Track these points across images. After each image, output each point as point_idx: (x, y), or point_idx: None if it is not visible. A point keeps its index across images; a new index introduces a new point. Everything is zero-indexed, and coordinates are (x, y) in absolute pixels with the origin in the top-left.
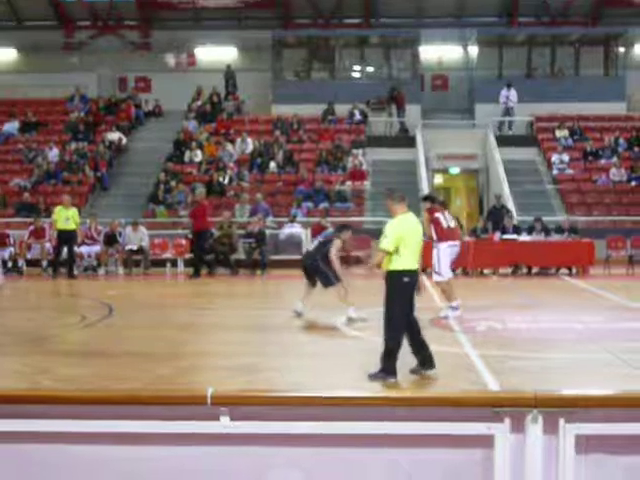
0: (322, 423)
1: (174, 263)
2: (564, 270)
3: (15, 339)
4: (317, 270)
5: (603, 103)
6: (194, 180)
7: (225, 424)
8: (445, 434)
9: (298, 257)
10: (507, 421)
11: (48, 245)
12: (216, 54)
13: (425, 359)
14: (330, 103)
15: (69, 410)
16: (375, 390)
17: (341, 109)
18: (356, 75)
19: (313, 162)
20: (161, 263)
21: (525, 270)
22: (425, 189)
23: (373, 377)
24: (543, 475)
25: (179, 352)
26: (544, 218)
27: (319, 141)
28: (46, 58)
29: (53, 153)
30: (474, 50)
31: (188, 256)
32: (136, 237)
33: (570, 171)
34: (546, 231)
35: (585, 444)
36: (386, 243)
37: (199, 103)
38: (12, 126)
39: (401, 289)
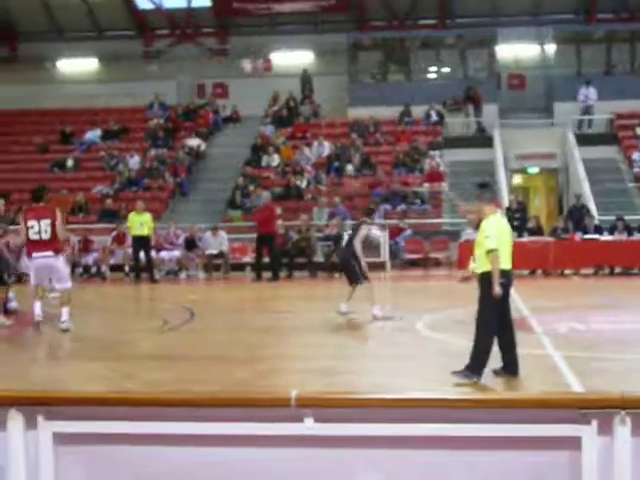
0: (404, 425)
1: (254, 267)
2: None
3: (99, 344)
4: (346, 265)
5: None
6: (272, 184)
7: (309, 426)
8: (530, 436)
9: (376, 259)
10: (594, 423)
11: (130, 251)
12: (292, 59)
13: (511, 362)
14: (406, 105)
15: (154, 412)
16: (457, 392)
17: (417, 110)
18: (432, 76)
19: (390, 164)
20: (240, 267)
21: (607, 270)
22: (504, 189)
23: (457, 374)
24: (632, 478)
25: (258, 355)
26: (626, 217)
27: (396, 143)
28: (126, 67)
29: (134, 160)
30: (551, 48)
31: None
32: (216, 242)
33: None
34: (629, 230)
35: None
36: (493, 242)
37: (276, 108)
38: (94, 134)
39: (507, 290)
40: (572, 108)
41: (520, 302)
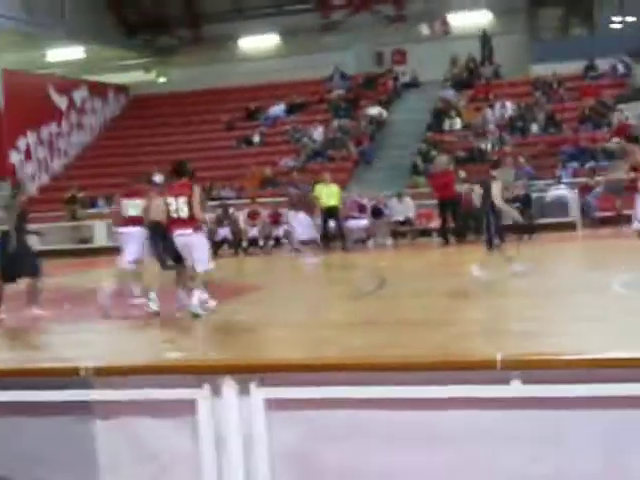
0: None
1: (440, 232)
2: None
3: (296, 311)
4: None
5: None
6: (454, 148)
7: (516, 388)
8: None
9: (566, 219)
10: None
11: (318, 221)
12: (470, 20)
13: None
14: (590, 58)
15: (361, 377)
16: None
17: (602, 63)
18: (616, 27)
19: (576, 121)
20: (427, 233)
21: None
22: None
23: None
24: None
25: (451, 319)
26: None
27: (581, 98)
28: (305, 40)
29: (318, 132)
30: None
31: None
32: (402, 208)
33: None
34: None
35: None
36: None
37: (455, 71)
38: (279, 109)
39: None
40: None
41: None
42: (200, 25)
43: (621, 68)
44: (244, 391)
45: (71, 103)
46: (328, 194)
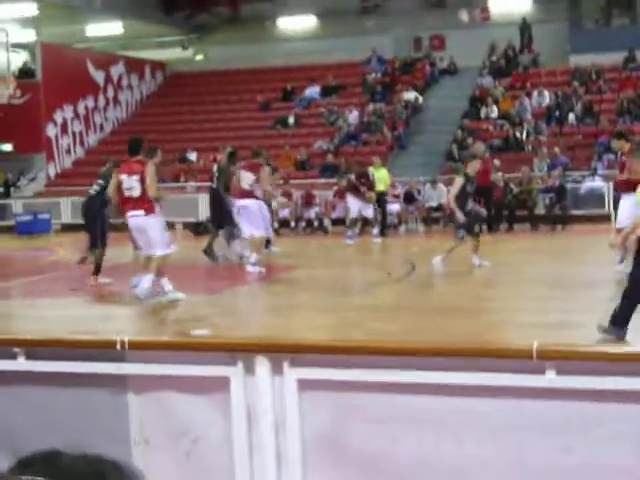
0: None
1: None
2: None
3: (326, 295)
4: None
5: None
6: (490, 136)
7: (551, 378)
8: None
9: (600, 211)
10: None
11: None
12: (510, 7)
13: None
14: (631, 49)
15: (394, 361)
16: None
17: None
18: None
19: (614, 112)
20: None
21: None
22: None
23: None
24: None
25: (484, 307)
26: None
27: (620, 90)
28: (343, 22)
29: (353, 115)
30: None
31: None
32: (435, 194)
33: None
34: None
35: None
36: None
37: (494, 58)
38: (314, 90)
39: None
40: None
41: None
42: (239, 4)
43: None
44: (277, 370)
45: (108, 78)
46: (378, 178)
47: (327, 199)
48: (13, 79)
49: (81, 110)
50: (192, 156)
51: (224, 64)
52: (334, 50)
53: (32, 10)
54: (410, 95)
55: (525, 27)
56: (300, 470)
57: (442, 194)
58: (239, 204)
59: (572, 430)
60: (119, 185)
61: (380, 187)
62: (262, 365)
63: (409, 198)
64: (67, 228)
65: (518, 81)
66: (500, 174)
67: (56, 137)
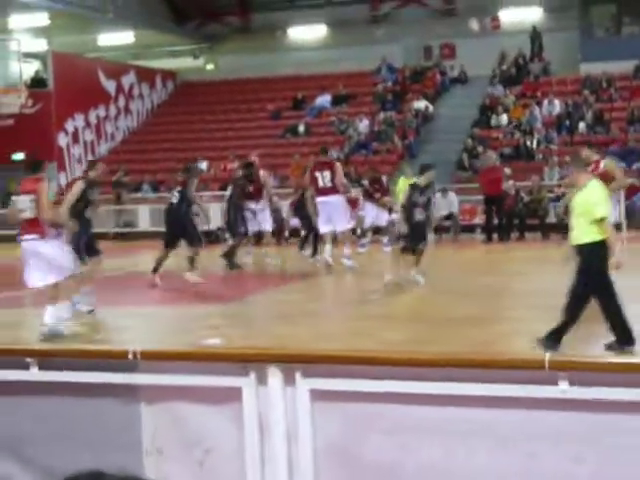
0: None
1: (484, 229)
2: None
3: (335, 304)
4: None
5: None
6: (501, 145)
7: (564, 389)
8: None
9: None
10: None
11: (362, 214)
12: (520, 15)
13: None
14: None
15: (405, 372)
16: None
17: None
18: None
19: (625, 121)
20: (470, 229)
21: None
22: None
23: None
24: None
25: (495, 317)
26: None
27: (631, 99)
28: (354, 32)
29: (363, 124)
30: None
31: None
32: (445, 203)
33: None
34: None
35: None
36: (604, 210)
37: (504, 67)
38: (324, 99)
39: (604, 261)
40: None
41: None
42: (250, 13)
43: None
44: (289, 381)
45: (119, 88)
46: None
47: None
48: (25, 88)
49: (92, 119)
50: (202, 165)
51: (235, 73)
52: (344, 59)
53: (44, 20)
54: (420, 104)
55: (535, 36)
56: None
57: (452, 203)
58: (320, 200)
59: (584, 440)
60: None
61: None
62: (274, 376)
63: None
64: None
65: (529, 90)
66: (511, 183)
67: (67, 146)
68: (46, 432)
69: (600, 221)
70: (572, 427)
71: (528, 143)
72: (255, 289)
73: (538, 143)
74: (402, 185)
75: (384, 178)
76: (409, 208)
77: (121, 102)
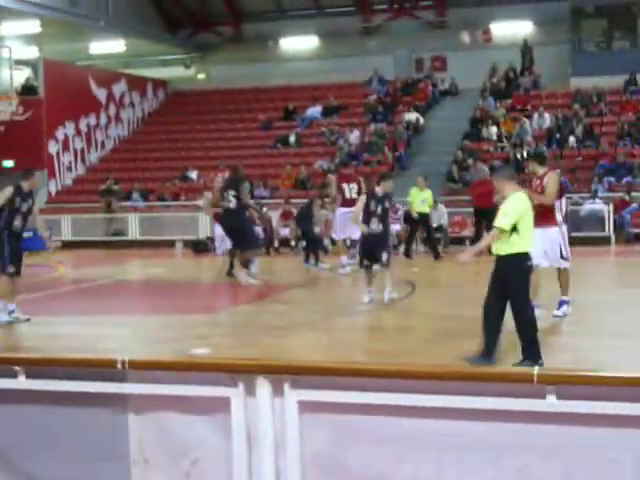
0: None
1: (473, 241)
2: None
3: (325, 315)
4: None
5: None
6: (491, 158)
7: (551, 402)
8: None
9: (601, 234)
10: None
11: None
12: (512, 29)
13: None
14: (632, 73)
15: (393, 384)
16: None
17: None
18: None
19: (614, 135)
20: (460, 241)
21: None
22: None
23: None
24: None
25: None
26: None
27: (621, 113)
28: (345, 43)
29: (354, 135)
30: None
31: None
32: (435, 215)
33: None
34: None
35: None
36: (505, 222)
37: (494, 80)
38: (315, 110)
39: (525, 273)
40: None
41: None
42: (241, 23)
43: None
44: (278, 392)
45: (110, 96)
46: (423, 200)
47: (327, 218)
48: (16, 96)
49: (83, 127)
50: (193, 174)
51: (226, 83)
52: (336, 70)
53: (35, 27)
54: (411, 116)
55: (526, 49)
56: None
57: (442, 215)
58: (345, 211)
59: (572, 454)
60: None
61: (424, 208)
62: (263, 386)
63: (409, 219)
64: (67, 245)
65: (519, 103)
66: (501, 195)
67: (57, 154)
68: (33, 441)
69: (502, 231)
70: (560, 441)
71: (518, 156)
72: (243, 299)
73: (528, 156)
74: (414, 196)
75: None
76: (365, 217)
77: (112, 110)
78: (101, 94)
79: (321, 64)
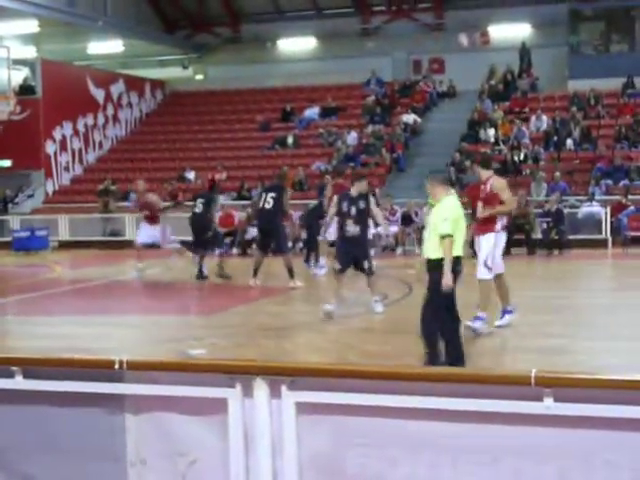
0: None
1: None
2: None
3: (319, 316)
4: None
5: None
6: None
7: (549, 405)
8: None
9: (598, 237)
10: None
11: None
12: (510, 32)
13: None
14: (629, 76)
15: (392, 385)
16: None
17: None
18: None
19: (612, 138)
20: None
21: None
22: None
23: None
24: None
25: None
26: None
27: (618, 116)
28: (343, 44)
29: (351, 136)
30: None
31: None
32: None
33: None
34: None
35: None
36: (449, 227)
37: (492, 82)
38: (313, 111)
39: (456, 278)
40: None
41: None
42: (239, 24)
43: None
44: (275, 393)
45: (108, 96)
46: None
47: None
48: (13, 95)
49: (80, 127)
50: (190, 175)
51: (224, 84)
52: (334, 72)
53: (33, 27)
54: (409, 118)
55: (524, 52)
56: None
57: None
58: None
59: (569, 457)
60: None
61: None
62: (260, 388)
63: (406, 220)
64: (64, 245)
65: (517, 105)
66: None
67: (55, 154)
68: (30, 441)
69: (443, 238)
70: (557, 443)
71: (515, 158)
72: (241, 300)
73: (525, 158)
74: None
75: (377, 191)
76: (339, 220)
77: (110, 111)
78: (99, 94)
79: (319, 65)
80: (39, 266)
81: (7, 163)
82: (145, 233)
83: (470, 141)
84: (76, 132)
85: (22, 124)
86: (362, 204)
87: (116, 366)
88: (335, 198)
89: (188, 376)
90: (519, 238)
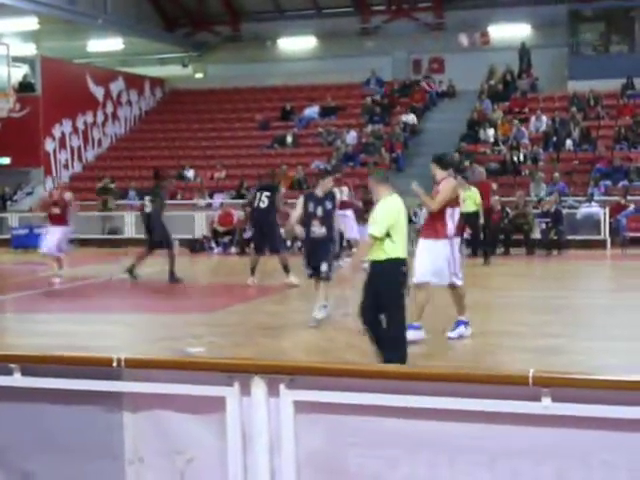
0: None
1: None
2: None
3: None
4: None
5: None
6: (488, 160)
7: (547, 405)
8: None
9: (596, 237)
10: None
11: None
12: (509, 32)
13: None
14: (629, 77)
15: (390, 385)
16: None
17: None
18: None
19: (611, 139)
20: None
21: None
22: None
23: None
24: None
25: (478, 332)
26: None
27: (618, 117)
28: (343, 44)
29: (351, 136)
30: None
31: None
32: None
33: None
34: None
35: None
36: (377, 229)
37: (492, 82)
38: (313, 111)
39: (399, 280)
40: None
41: None
42: (239, 23)
43: None
44: (273, 392)
45: (107, 94)
46: (467, 197)
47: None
48: (13, 92)
49: (80, 125)
50: (189, 173)
51: (224, 82)
52: (333, 71)
53: (33, 24)
54: (408, 117)
55: (524, 52)
56: None
57: None
58: (341, 213)
59: (567, 457)
60: None
61: (470, 207)
62: (258, 386)
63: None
64: None
65: (516, 106)
66: (497, 198)
67: (54, 151)
68: (28, 439)
69: (375, 239)
70: (555, 443)
71: (515, 158)
72: (239, 299)
73: (525, 159)
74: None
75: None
76: (305, 221)
77: (109, 108)
78: (98, 92)
79: (319, 64)
80: (37, 264)
81: (6, 160)
82: (47, 242)
83: (469, 141)
84: (75, 130)
85: (21, 121)
86: (329, 204)
87: (114, 364)
88: (301, 198)
89: (186, 374)
90: (518, 238)
